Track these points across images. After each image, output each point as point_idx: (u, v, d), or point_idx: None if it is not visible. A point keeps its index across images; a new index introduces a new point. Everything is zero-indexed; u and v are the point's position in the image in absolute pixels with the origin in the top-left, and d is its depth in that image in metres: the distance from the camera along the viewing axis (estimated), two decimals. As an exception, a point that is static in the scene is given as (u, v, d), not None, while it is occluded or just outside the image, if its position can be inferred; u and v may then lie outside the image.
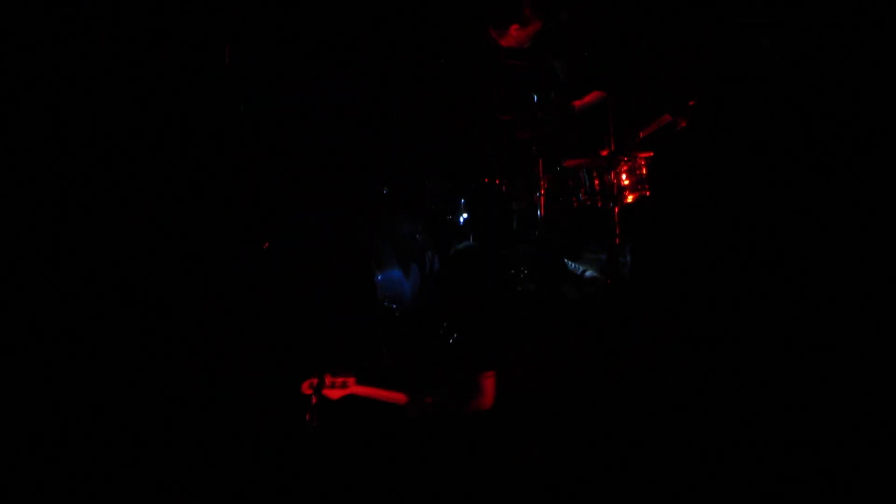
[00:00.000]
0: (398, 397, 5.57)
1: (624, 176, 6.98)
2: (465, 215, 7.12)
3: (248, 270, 6.59)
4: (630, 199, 6.98)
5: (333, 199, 7.15)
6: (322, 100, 7.19)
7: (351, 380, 5.52)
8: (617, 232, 6.92)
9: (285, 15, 6.94)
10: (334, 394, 5.50)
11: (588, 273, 7.31)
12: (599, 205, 7.03)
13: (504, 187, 7.14)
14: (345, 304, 6.70)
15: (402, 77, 7.21)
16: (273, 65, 6.90)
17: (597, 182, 7.03)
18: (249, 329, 6.28)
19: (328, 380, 5.45)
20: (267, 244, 6.78)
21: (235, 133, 6.70)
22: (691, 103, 6.67)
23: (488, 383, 5.59)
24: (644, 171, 6.96)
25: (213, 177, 6.59)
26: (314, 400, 5.29)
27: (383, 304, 6.69)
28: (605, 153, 6.98)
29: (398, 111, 7.25)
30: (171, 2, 6.40)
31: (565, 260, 7.35)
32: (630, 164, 6.98)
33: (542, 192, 6.98)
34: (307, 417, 5.16)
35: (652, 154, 6.93)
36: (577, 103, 7.07)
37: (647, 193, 6.97)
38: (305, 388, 5.43)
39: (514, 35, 6.96)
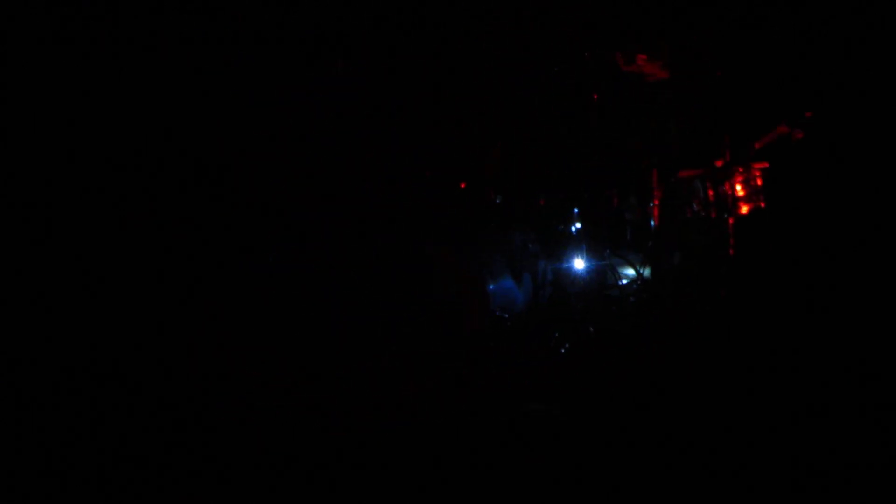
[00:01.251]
0: None
1: (739, 187, 6.90)
2: (577, 225, 7.12)
3: (357, 280, 6.69)
4: (745, 209, 6.89)
5: (448, 208, 7.22)
6: (430, 109, 7.27)
7: None
8: (731, 243, 6.85)
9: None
10: None
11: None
12: (714, 216, 6.96)
13: (616, 198, 7.13)
14: (460, 313, 6.77)
15: (514, 88, 7.24)
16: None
17: (711, 193, 6.96)
18: (358, 335, 6.36)
19: None
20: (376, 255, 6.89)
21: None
22: (808, 114, 6.57)
23: None
24: (759, 183, 6.87)
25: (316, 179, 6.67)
26: None
27: (495, 314, 6.74)
28: (720, 164, 6.91)
29: (511, 123, 7.28)
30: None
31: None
32: (745, 175, 6.90)
33: (656, 202, 6.95)
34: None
35: (767, 165, 6.84)
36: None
37: (763, 205, 6.87)
38: None
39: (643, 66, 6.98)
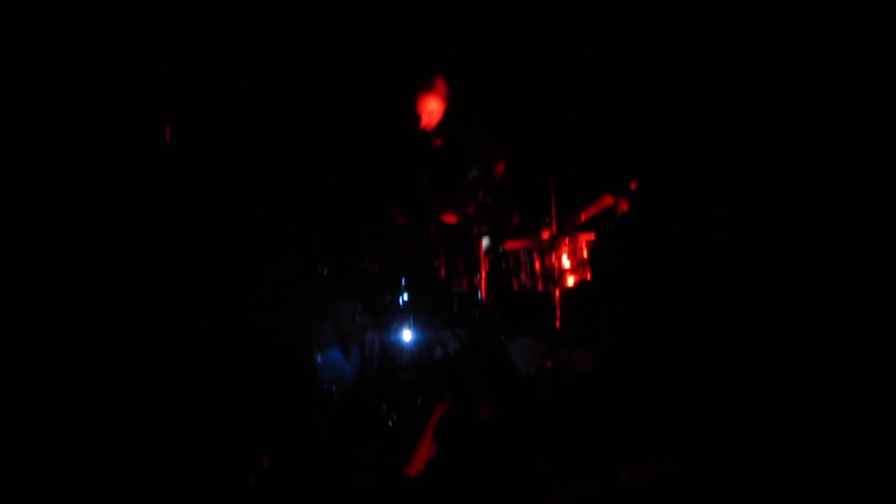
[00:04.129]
0: None
1: (565, 258, 7.02)
2: (405, 296, 7.10)
3: (186, 350, 6.50)
4: (571, 281, 7.02)
5: (273, 280, 7.10)
6: (264, 181, 7.20)
7: None
8: (557, 315, 6.94)
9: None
10: None
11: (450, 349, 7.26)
12: (540, 288, 7.06)
13: (443, 269, 7.15)
14: (285, 387, 6.62)
15: (343, 154, 7.24)
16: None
17: (538, 264, 7.07)
18: (191, 411, 6.17)
19: None
20: (206, 324, 6.70)
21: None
22: (633, 186, 6.77)
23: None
24: (585, 255, 7.01)
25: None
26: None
27: (322, 387, 6.62)
28: (545, 235, 7.03)
29: (339, 191, 7.25)
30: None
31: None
32: (571, 245, 7.03)
33: (483, 273, 7.00)
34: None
35: (593, 236, 6.99)
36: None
37: (588, 276, 7.01)
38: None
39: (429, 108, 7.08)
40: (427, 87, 7.12)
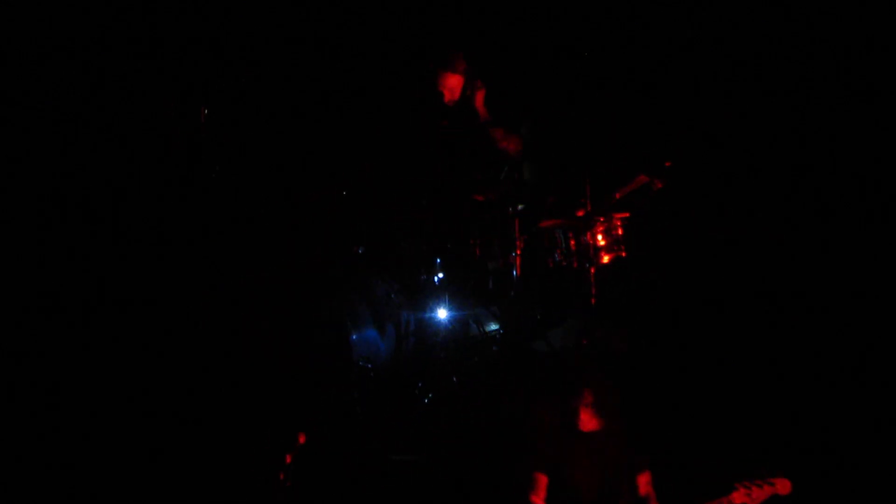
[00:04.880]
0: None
1: (600, 237, 7.03)
2: (440, 275, 7.13)
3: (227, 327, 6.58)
4: (606, 259, 7.02)
5: (310, 259, 7.15)
6: (295, 158, 7.23)
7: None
8: (593, 292, 6.95)
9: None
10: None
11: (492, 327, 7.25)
12: (575, 265, 7.07)
13: (479, 248, 7.18)
14: (321, 364, 6.67)
15: (377, 138, 7.26)
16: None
17: (573, 242, 7.07)
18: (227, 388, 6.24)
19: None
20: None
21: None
22: (668, 164, 6.76)
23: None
24: (620, 232, 7.01)
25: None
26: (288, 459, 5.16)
27: (359, 364, 6.66)
28: (580, 213, 7.04)
29: (373, 172, 7.28)
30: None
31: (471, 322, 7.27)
32: (606, 224, 7.03)
33: (518, 252, 7.03)
34: (281, 477, 5.06)
35: (628, 214, 6.99)
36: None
37: (623, 254, 7.02)
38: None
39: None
40: (447, 66, 7.12)
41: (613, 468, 4.65)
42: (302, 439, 5.45)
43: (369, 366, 6.65)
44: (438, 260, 7.14)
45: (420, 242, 7.20)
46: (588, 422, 4.69)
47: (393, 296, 7.10)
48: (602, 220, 7.03)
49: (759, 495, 4.46)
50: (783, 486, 4.48)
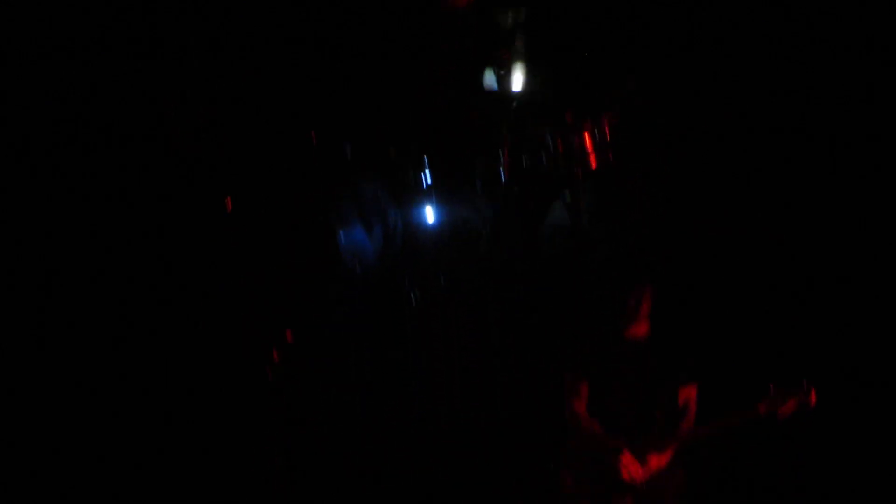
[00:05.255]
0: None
1: (588, 139, 6.99)
2: (429, 176, 7.12)
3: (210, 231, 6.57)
4: (594, 162, 7.00)
5: (296, 159, 7.11)
6: (283, 60, 7.14)
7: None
8: (582, 194, 6.96)
9: None
10: None
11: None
12: (564, 168, 7.05)
13: (468, 149, 7.16)
14: (308, 264, 6.70)
15: (366, 39, 7.16)
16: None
17: (561, 146, 7.05)
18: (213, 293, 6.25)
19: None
20: (229, 205, 6.76)
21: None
22: (657, 71, 6.71)
23: None
24: (608, 136, 6.98)
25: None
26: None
27: (346, 265, 6.69)
28: (569, 117, 7.00)
29: (362, 73, 7.20)
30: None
31: None
32: (595, 127, 6.99)
33: (506, 154, 7.01)
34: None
35: (617, 119, 6.95)
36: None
37: (612, 158, 7.00)
38: None
39: None
40: None
41: (654, 378, 4.52)
42: (289, 337, 5.49)
43: (356, 265, 6.68)
44: (426, 160, 7.12)
45: (408, 142, 7.16)
46: (631, 328, 4.52)
47: (381, 195, 7.09)
48: (591, 122, 6.99)
49: (785, 405, 4.33)
50: (809, 397, 4.34)
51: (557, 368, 4.84)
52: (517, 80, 7.08)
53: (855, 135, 5.95)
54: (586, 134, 6.96)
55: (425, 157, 7.09)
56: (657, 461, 4.35)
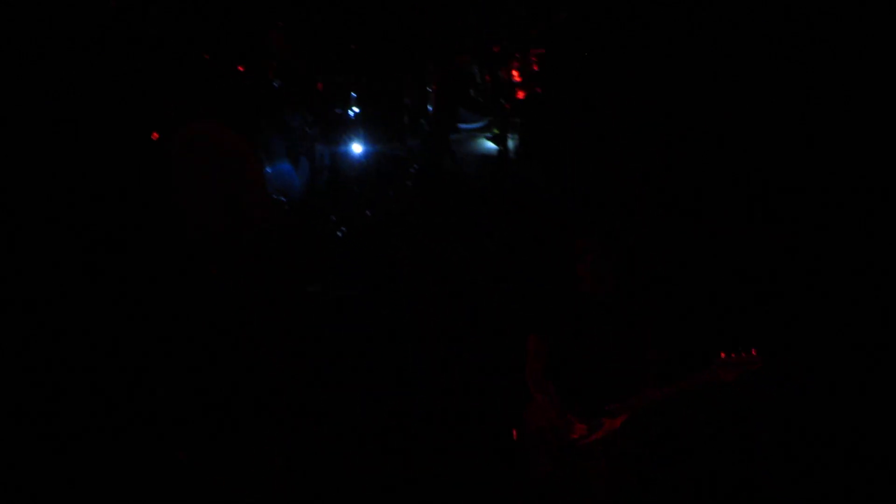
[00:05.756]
0: None
1: (515, 73, 7.04)
2: (355, 109, 7.11)
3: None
4: (521, 95, 7.05)
5: (225, 94, 7.04)
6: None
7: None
8: (507, 125, 7.01)
9: None
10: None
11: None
12: (491, 100, 7.10)
13: (396, 82, 7.16)
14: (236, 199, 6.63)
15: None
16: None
17: (488, 78, 7.09)
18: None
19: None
20: (155, 135, 6.69)
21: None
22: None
23: None
24: (536, 68, 7.03)
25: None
26: None
27: (273, 197, 6.65)
28: (497, 49, 7.03)
29: (290, 7, 7.16)
30: None
31: None
32: (522, 61, 7.04)
33: (435, 87, 7.02)
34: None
35: (544, 51, 6.99)
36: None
37: (539, 90, 7.05)
38: None
39: None
40: None
41: (615, 337, 4.49)
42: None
43: (283, 199, 6.65)
44: (354, 94, 7.10)
45: (336, 76, 7.14)
46: (589, 285, 4.51)
47: (308, 129, 7.06)
48: (518, 56, 7.03)
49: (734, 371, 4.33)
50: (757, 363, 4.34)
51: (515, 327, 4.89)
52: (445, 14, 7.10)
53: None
54: (514, 67, 7.00)
55: (352, 91, 7.08)
56: (610, 424, 4.37)
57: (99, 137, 6.75)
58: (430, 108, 7.09)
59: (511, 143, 7.19)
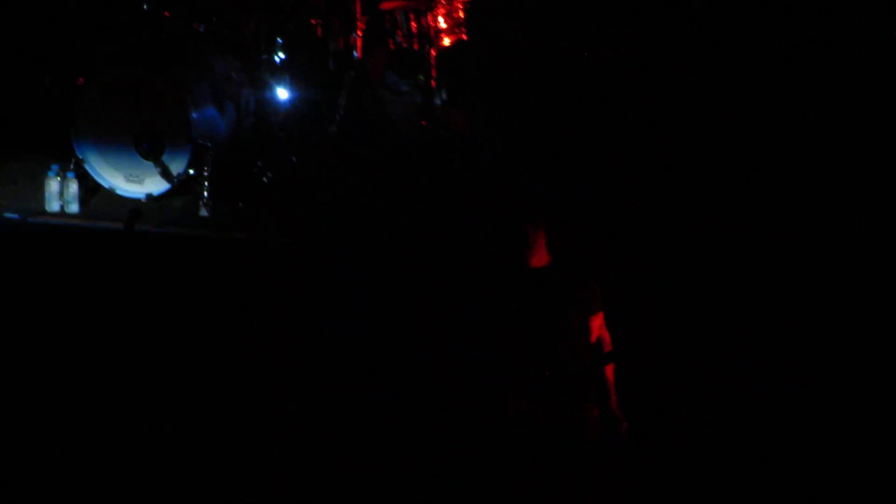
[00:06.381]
0: None
1: (441, 19, 7.05)
2: (281, 55, 7.09)
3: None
4: (447, 42, 7.07)
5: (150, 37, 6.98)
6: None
7: None
8: (433, 75, 7.02)
9: None
10: None
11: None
12: (416, 48, 7.10)
13: (320, 28, 7.14)
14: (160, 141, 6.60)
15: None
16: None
17: (414, 25, 7.08)
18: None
19: None
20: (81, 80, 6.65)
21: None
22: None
23: None
24: (461, 15, 7.05)
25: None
26: None
27: (198, 142, 6.61)
28: (424, -6, 7.04)
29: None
30: None
31: None
32: (448, 7, 7.05)
33: (360, 33, 7.02)
34: None
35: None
36: None
37: (465, 37, 7.07)
38: None
39: None
40: None
41: (564, 308, 4.53)
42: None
43: (209, 144, 6.61)
44: (280, 39, 7.08)
45: (261, 20, 7.11)
46: (535, 258, 4.54)
47: (233, 74, 7.03)
48: (444, 2, 7.04)
49: None
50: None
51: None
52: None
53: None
54: (440, 12, 7.01)
55: (278, 37, 7.06)
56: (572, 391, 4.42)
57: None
58: (355, 54, 7.08)
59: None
